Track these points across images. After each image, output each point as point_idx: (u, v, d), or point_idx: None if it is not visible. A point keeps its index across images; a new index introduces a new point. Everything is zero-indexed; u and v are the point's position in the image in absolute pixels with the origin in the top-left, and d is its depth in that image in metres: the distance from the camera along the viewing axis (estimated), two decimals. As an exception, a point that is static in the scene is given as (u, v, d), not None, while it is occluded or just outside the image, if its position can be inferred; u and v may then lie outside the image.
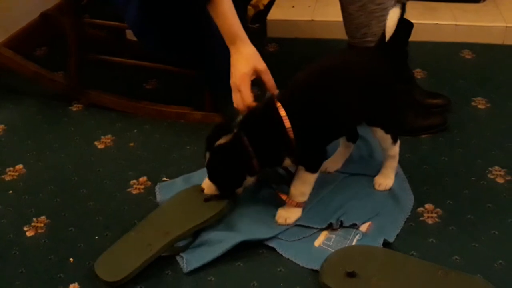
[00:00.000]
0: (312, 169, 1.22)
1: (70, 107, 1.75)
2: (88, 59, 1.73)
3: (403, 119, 1.49)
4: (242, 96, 1.22)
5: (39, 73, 1.78)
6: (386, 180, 1.33)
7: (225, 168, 1.20)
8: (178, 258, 1.19)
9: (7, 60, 1.80)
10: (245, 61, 1.24)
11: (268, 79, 1.26)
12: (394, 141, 1.29)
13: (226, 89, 1.28)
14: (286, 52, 1.97)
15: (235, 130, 1.18)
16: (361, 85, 1.21)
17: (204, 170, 1.24)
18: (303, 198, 1.25)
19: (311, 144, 1.19)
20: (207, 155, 1.21)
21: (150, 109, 1.68)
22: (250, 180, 1.22)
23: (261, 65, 1.25)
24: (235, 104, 1.24)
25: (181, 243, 1.21)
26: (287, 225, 1.24)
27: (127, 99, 1.71)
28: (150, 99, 1.71)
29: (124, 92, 1.74)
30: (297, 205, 1.25)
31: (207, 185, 1.26)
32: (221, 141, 1.18)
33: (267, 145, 1.18)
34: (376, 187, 1.32)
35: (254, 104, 1.22)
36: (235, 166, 1.19)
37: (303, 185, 1.24)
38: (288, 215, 1.25)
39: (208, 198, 1.26)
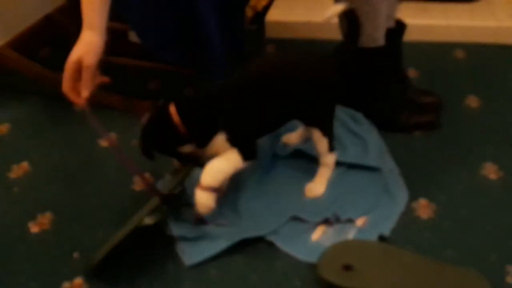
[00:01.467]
0: (248, 156, 1.20)
1: (73, 106, 1.77)
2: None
3: (396, 117, 1.53)
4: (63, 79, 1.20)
5: (43, 74, 1.80)
6: (318, 187, 1.33)
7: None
8: (179, 251, 1.22)
9: (12, 61, 1.82)
10: (78, 48, 1.22)
11: (86, 77, 1.21)
12: (331, 149, 1.30)
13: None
14: (282, 49, 2.00)
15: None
16: (296, 85, 1.23)
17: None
18: (214, 185, 1.18)
19: (240, 137, 1.20)
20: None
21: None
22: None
23: (88, 60, 1.20)
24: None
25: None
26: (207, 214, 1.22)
27: (130, 99, 1.74)
28: (153, 99, 1.73)
29: (127, 92, 1.76)
30: (207, 189, 1.18)
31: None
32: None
33: (162, 139, 1.19)
34: (306, 193, 1.33)
35: (68, 90, 1.23)
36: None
37: (223, 163, 1.19)
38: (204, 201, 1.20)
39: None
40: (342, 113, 1.54)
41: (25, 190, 1.45)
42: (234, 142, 1.18)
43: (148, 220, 1.17)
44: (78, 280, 1.18)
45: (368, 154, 1.42)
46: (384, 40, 1.44)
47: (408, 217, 1.28)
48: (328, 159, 1.32)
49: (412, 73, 1.78)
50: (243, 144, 1.20)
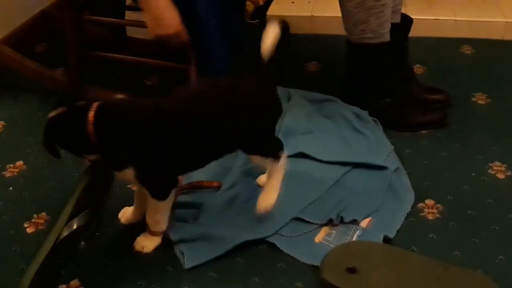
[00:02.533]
0: (159, 196, 1.15)
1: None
2: (88, 56, 1.73)
3: (402, 115, 1.49)
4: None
5: (39, 71, 1.78)
6: (268, 199, 1.23)
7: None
8: (178, 254, 1.19)
9: (7, 58, 1.80)
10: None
11: None
12: (276, 159, 1.20)
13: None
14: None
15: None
16: (225, 114, 1.12)
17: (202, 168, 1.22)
18: (161, 227, 1.19)
19: (156, 172, 1.13)
20: None
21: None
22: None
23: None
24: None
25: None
26: (144, 253, 1.20)
27: (127, 96, 1.71)
28: (151, 95, 1.70)
29: (125, 89, 1.73)
30: (155, 233, 1.20)
31: None
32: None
33: (67, 140, 1.13)
34: (258, 209, 1.22)
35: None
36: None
37: (156, 214, 1.18)
38: (146, 242, 1.21)
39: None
40: (347, 111, 1.52)
41: (21, 190, 1.42)
42: (141, 181, 1.12)
43: (66, 231, 1.09)
44: (75, 282, 1.16)
45: (373, 153, 1.39)
46: (389, 36, 1.41)
47: (414, 218, 1.25)
48: (276, 165, 1.21)
49: (418, 69, 1.76)
50: (152, 184, 1.13)
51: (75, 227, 1.10)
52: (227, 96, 1.15)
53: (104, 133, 1.07)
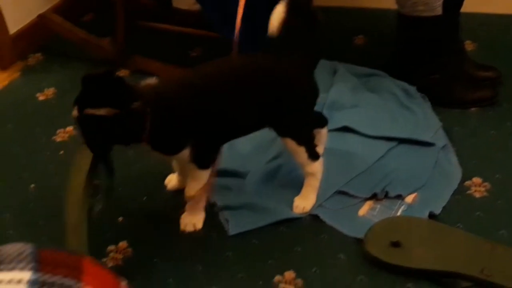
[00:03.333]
0: (205, 166, 1.15)
1: (116, 73, 1.77)
2: (134, 25, 1.75)
3: (452, 91, 1.47)
4: None
5: (87, 40, 1.81)
6: (304, 202, 1.22)
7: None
8: (223, 221, 1.22)
9: (56, 26, 1.84)
10: None
11: None
12: (312, 157, 1.18)
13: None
14: (332, 22, 1.95)
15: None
16: (260, 91, 1.12)
17: (248, 137, 1.22)
18: (202, 198, 1.20)
19: (202, 143, 1.12)
20: None
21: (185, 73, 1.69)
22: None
23: None
24: None
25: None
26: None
27: (172, 66, 1.73)
28: (194, 66, 1.72)
29: (169, 59, 1.75)
30: (197, 208, 1.20)
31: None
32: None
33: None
34: (294, 209, 1.22)
35: None
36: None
37: (199, 184, 1.16)
38: (195, 220, 1.21)
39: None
40: (394, 86, 1.50)
41: (71, 154, 1.45)
42: (194, 157, 1.12)
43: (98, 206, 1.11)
44: (123, 244, 1.19)
45: (420, 129, 1.38)
46: (441, 10, 1.38)
47: (460, 196, 1.23)
48: (312, 168, 1.20)
49: (469, 46, 1.71)
50: (201, 157, 1.13)
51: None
52: (263, 70, 1.14)
53: (162, 134, 1.07)
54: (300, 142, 1.16)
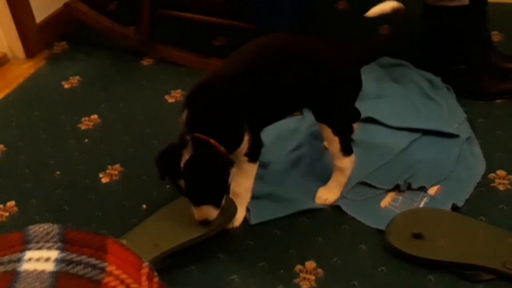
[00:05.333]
0: (254, 158, 1.13)
1: (141, 61, 1.79)
2: (158, 14, 1.76)
3: (477, 82, 1.44)
4: None
5: (112, 28, 1.83)
6: (327, 194, 1.22)
7: (212, 177, 1.06)
8: (245, 210, 1.23)
9: (82, 14, 1.86)
10: None
11: None
12: (345, 151, 1.16)
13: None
14: (357, 11, 1.93)
15: (187, 138, 1.05)
16: (305, 70, 1.11)
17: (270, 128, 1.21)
18: (248, 195, 1.18)
19: (254, 129, 1.11)
20: (182, 181, 1.06)
21: (218, 65, 1.70)
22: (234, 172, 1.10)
23: None
24: None
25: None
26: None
27: (196, 55, 1.74)
28: (218, 55, 1.73)
29: (193, 48, 1.76)
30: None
31: (203, 212, 1.10)
32: (186, 157, 1.04)
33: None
34: (316, 199, 1.22)
35: None
36: (218, 168, 1.06)
37: (249, 180, 1.16)
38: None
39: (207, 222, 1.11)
40: (418, 77, 1.49)
41: (95, 142, 1.48)
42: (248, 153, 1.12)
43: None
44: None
45: (444, 121, 1.36)
46: (468, -1, 1.36)
47: (484, 188, 1.22)
48: (342, 163, 1.18)
49: (496, 36, 1.68)
50: (253, 150, 1.12)
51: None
52: (306, 51, 1.14)
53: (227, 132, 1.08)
54: (335, 131, 1.15)
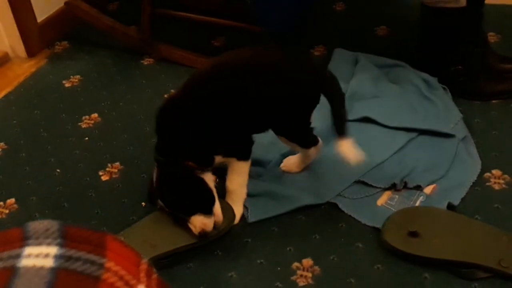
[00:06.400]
0: (244, 157, 1.17)
1: (141, 61, 1.81)
2: (159, 14, 1.77)
3: (473, 83, 1.45)
4: None
5: (113, 27, 1.84)
6: (291, 164, 1.29)
7: (178, 185, 1.10)
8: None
9: (83, 13, 1.87)
10: None
11: None
12: (305, 147, 1.24)
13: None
14: (355, 12, 1.94)
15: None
16: (261, 88, 1.11)
17: None
18: (243, 191, 1.21)
19: (233, 136, 1.14)
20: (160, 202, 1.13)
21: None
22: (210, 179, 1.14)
23: None
24: None
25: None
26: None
27: (196, 55, 1.75)
28: (217, 56, 1.74)
29: (193, 48, 1.78)
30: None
31: (197, 224, 1.10)
32: (155, 177, 1.12)
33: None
34: (281, 165, 1.29)
35: None
36: (180, 176, 1.10)
37: (240, 176, 1.19)
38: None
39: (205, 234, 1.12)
40: (415, 77, 1.50)
41: (96, 140, 1.50)
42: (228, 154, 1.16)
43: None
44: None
45: (440, 121, 1.37)
46: (465, 1, 1.37)
47: (479, 187, 1.23)
48: (307, 152, 1.25)
49: (492, 38, 1.69)
50: (236, 150, 1.17)
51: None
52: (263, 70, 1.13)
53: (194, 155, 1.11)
54: (292, 140, 1.21)
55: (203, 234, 1.10)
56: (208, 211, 1.10)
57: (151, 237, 1.13)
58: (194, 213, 1.09)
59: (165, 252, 1.10)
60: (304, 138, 1.23)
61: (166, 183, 1.11)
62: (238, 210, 1.20)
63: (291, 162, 1.30)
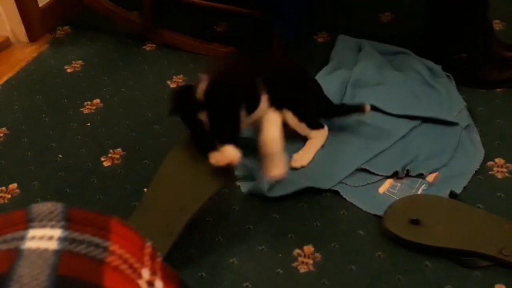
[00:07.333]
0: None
1: (144, 46, 1.79)
2: (162, -1, 1.76)
3: (477, 71, 1.44)
4: None
5: (115, 12, 1.83)
6: (303, 156, 1.30)
7: (232, 99, 1.08)
8: (244, 192, 1.24)
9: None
10: None
11: None
12: (313, 127, 1.31)
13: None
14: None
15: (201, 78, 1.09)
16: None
17: None
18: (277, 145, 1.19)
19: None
20: (203, 114, 1.05)
21: (220, 51, 1.70)
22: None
23: None
24: None
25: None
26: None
27: (198, 41, 1.74)
28: (220, 41, 1.73)
29: (196, 34, 1.77)
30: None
31: (225, 154, 1.07)
32: (203, 87, 1.06)
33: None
34: (292, 162, 1.28)
35: None
36: (235, 89, 1.09)
37: (272, 128, 1.19)
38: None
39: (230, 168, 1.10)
40: (419, 64, 1.49)
41: (98, 126, 1.49)
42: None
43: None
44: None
45: (444, 109, 1.36)
46: (470, -13, 1.36)
47: (482, 176, 1.23)
48: (313, 135, 1.31)
49: (497, 25, 1.68)
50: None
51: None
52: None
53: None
54: (300, 119, 1.27)
55: (227, 169, 1.08)
56: (238, 141, 1.08)
57: (176, 197, 1.08)
58: (228, 139, 1.06)
59: (194, 212, 1.06)
60: (312, 120, 1.31)
61: (216, 90, 1.06)
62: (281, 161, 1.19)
63: (300, 155, 1.30)
